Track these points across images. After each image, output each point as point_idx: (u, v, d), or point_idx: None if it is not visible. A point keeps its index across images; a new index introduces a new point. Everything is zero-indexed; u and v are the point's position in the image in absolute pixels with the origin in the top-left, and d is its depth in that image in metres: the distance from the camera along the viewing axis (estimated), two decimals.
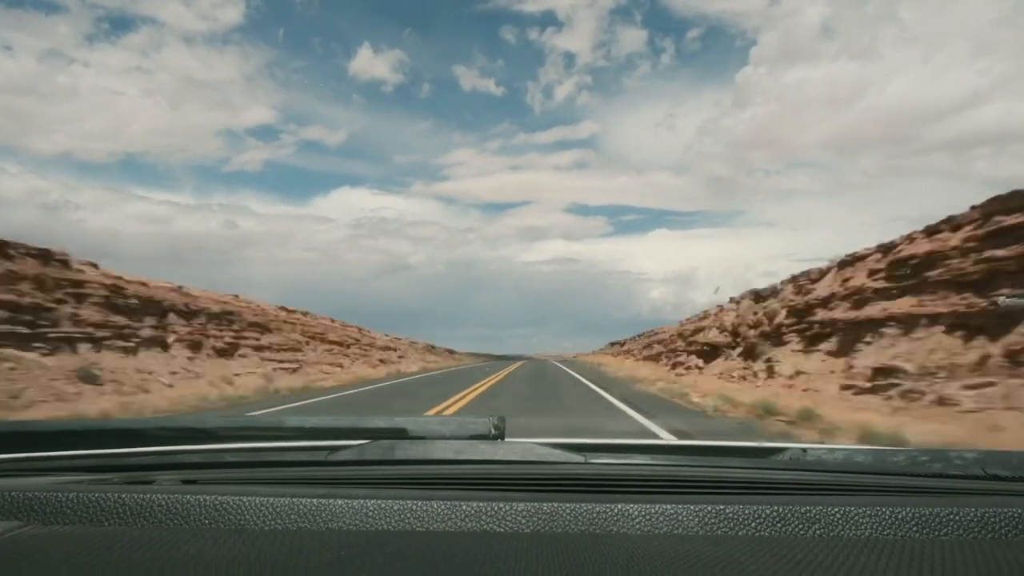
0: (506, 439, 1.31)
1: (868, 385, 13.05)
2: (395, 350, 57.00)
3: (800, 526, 0.92)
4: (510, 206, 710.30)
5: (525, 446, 1.29)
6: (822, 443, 1.72)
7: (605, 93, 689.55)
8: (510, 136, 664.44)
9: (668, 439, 7.89)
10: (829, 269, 20.97)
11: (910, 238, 16.46)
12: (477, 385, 21.00)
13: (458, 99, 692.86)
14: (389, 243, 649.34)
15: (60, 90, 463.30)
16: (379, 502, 0.98)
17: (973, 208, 14.18)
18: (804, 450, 1.32)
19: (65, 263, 18.88)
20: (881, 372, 13.00)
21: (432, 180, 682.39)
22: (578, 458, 1.23)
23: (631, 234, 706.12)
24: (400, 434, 1.40)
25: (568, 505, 0.97)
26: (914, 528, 0.90)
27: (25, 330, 15.64)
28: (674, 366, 28.79)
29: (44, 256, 17.97)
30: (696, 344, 28.49)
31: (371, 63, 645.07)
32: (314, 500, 0.99)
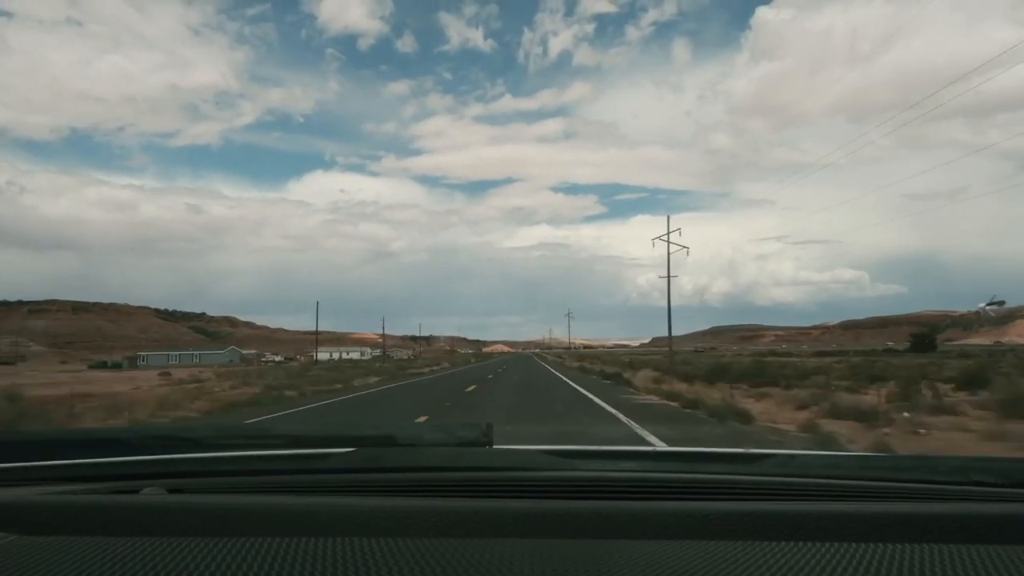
0: (494, 446, 1.32)
1: None
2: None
3: (786, 529, 0.92)
4: (492, 184, 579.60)
5: (513, 452, 1.30)
6: (810, 450, 1.74)
7: (605, 46, 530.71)
8: (491, 100, 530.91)
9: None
10: None
11: None
12: None
13: (438, 55, 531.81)
14: (368, 228, 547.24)
15: None
16: (368, 509, 0.98)
17: None
18: (791, 456, 1.33)
19: None
20: None
21: (404, 154, 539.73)
22: (565, 464, 1.24)
23: (623, 215, 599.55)
24: (388, 441, 1.40)
25: (556, 510, 0.98)
26: (897, 531, 0.92)
27: None
28: None
29: None
30: None
31: (343, 8, 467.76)
32: (302, 508, 0.99)
